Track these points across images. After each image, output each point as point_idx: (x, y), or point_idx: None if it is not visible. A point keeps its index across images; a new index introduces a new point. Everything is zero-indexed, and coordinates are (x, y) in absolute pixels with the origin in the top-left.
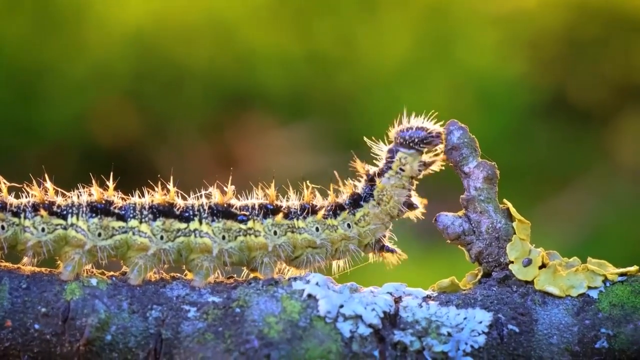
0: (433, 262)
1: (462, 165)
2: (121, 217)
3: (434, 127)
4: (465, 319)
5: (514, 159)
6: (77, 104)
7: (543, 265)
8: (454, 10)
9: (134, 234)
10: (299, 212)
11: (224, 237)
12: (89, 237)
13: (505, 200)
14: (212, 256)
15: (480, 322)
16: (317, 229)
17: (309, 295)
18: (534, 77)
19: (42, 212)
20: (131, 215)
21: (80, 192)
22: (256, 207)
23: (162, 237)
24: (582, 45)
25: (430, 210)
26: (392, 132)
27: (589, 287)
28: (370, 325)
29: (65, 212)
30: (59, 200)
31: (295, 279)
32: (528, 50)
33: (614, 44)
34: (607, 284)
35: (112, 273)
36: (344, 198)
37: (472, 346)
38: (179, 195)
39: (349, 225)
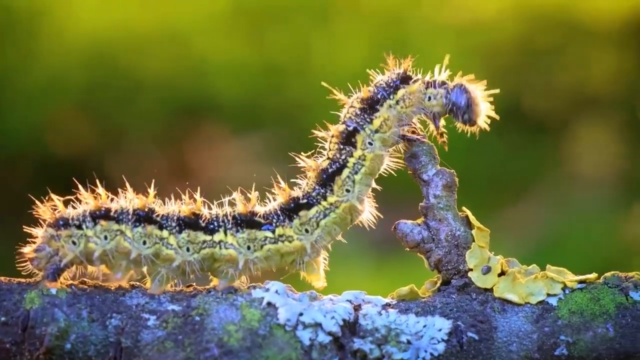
0: (389, 271)
1: (421, 173)
2: (162, 226)
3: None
4: (424, 326)
5: (469, 168)
6: (31, 114)
7: (502, 273)
8: (409, 20)
9: (164, 245)
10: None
11: (249, 247)
12: (135, 245)
13: (464, 208)
14: (238, 267)
15: (440, 330)
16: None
17: (269, 304)
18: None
19: (102, 222)
20: (165, 226)
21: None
22: (277, 212)
23: (187, 249)
24: (537, 54)
25: (387, 219)
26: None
27: (548, 295)
28: (329, 333)
29: (120, 218)
30: (113, 204)
31: (254, 287)
32: (483, 60)
33: (569, 54)
34: (567, 292)
35: (71, 282)
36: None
37: (431, 354)
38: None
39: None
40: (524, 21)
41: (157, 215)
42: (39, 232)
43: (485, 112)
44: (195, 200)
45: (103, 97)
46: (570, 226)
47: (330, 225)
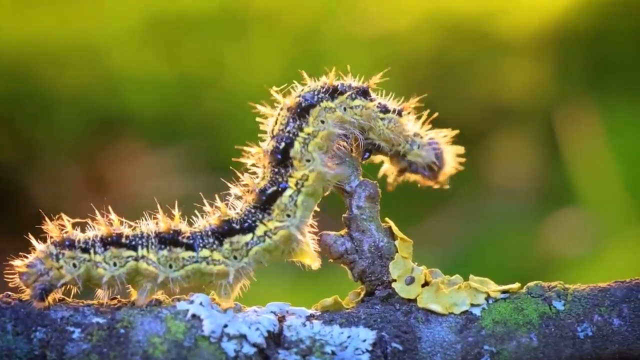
0: (310, 283)
1: (344, 184)
2: (190, 247)
3: None
4: (349, 337)
5: (386, 179)
6: None
7: (426, 283)
8: (324, 33)
9: (206, 262)
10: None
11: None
12: (161, 269)
13: (387, 219)
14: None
15: (364, 341)
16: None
17: (193, 315)
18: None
19: (112, 249)
20: (200, 245)
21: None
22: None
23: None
24: (453, 66)
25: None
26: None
27: (472, 305)
28: (254, 345)
29: (134, 243)
30: (126, 230)
31: (178, 299)
32: (399, 71)
33: (484, 65)
34: (490, 302)
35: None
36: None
37: None
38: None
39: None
40: (438, 33)
41: (184, 237)
42: (39, 246)
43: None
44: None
45: (18, 110)
46: (486, 237)
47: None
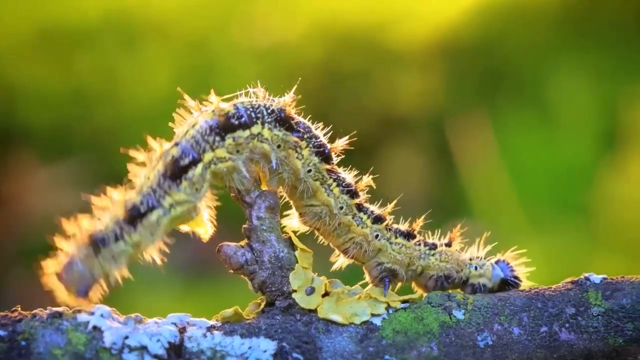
0: (200, 294)
1: (244, 195)
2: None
3: None
4: (250, 348)
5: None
6: None
7: (326, 294)
8: (215, 43)
9: None
10: None
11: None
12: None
13: (287, 230)
14: None
15: (265, 351)
16: None
17: (94, 327)
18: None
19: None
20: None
21: None
22: None
23: None
24: (344, 77)
25: (196, 242)
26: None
27: (372, 315)
28: (155, 356)
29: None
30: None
31: (79, 311)
32: (291, 82)
33: (375, 76)
34: (390, 311)
35: None
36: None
37: None
38: None
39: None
40: (329, 44)
41: None
42: (68, 247)
43: None
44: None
45: None
46: None
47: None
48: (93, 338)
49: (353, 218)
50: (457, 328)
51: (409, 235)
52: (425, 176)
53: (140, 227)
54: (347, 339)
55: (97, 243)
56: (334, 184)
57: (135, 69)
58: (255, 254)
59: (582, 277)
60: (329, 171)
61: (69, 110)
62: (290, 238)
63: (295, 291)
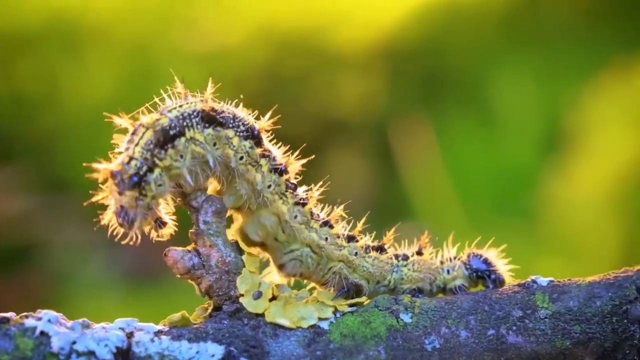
0: (143, 300)
1: (190, 200)
2: None
3: None
4: (197, 352)
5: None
6: None
7: (274, 298)
8: (157, 47)
9: None
10: None
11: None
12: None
13: (234, 234)
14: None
15: (213, 356)
16: None
17: (42, 333)
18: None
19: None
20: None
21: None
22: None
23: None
24: (285, 80)
25: (141, 249)
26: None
27: (320, 319)
28: None
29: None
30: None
31: (26, 316)
32: (233, 86)
33: (316, 80)
34: (338, 315)
35: None
36: None
37: None
38: None
39: None
40: (271, 47)
41: None
42: (119, 198)
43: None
44: None
45: None
46: None
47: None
48: (41, 343)
49: (335, 247)
50: (405, 331)
51: (382, 249)
52: (367, 179)
53: (171, 150)
54: (295, 343)
55: (134, 184)
56: (296, 206)
57: (76, 74)
58: (202, 259)
59: (529, 279)
60: (288, 186)
61: (10, 115)
62: (237, 242)
63: (242, 295)
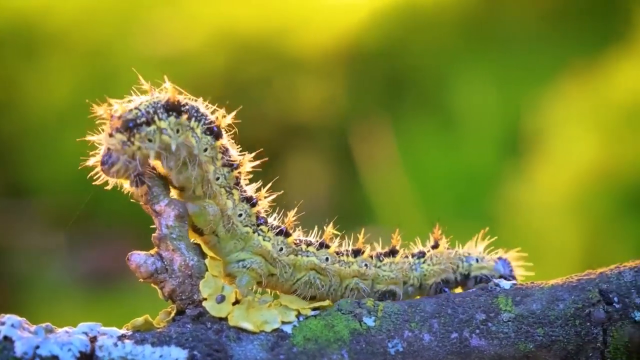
0: (101, 305)
1: (153, 204)
2: None
3: None
4: (160, 356)
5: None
6: None
7: (237, 302)
8: (116, 51)
9: None
10: None
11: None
12: None
13: (196, 238)
14: None
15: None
16: None
17: (5, 337)
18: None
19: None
20: None
21: None
22: None
23: None
24: (245, 84)
25: (98, 254)
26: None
27: (283, 322)
28: None
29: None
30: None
31: None
32: (192, 90)
33: (276, 84)
34: (301, 319)
35: None
36: None
37: None
38: None
39: None
40: (230, 51)
41: None
42: (102, 138)
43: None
44: None
45: None
46: None
47: None
48: (4, 348)
49: (341, 265)
50: (368, 335)
51: (394, 253)
52: (327, 183)
53: (173, 118)
54: (258, 346)
55: (128, 127)
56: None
57: (36, 78)
58: (165, 263)
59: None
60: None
61: None
62: (199, 246)
63: (205, 299)
